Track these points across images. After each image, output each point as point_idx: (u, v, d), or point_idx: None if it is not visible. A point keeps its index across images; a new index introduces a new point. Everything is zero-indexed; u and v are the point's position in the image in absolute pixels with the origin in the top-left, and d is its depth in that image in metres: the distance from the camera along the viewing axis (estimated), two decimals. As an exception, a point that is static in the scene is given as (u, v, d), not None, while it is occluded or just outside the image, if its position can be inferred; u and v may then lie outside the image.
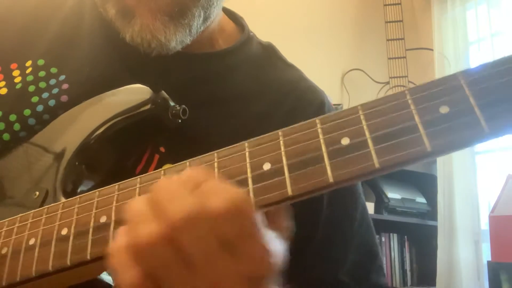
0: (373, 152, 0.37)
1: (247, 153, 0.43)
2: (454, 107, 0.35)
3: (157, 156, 0.67)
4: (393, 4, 3.54)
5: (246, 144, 0.44)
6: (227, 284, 0.38)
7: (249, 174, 0.42)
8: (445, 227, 3.03)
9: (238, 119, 0.72)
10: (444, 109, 0.35)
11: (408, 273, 3.11)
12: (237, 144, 0.44)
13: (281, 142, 0.42)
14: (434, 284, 2.98)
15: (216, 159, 0.44)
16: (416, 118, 0.36)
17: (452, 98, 0.35)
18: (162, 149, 0.68)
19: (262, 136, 0.44)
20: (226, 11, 0.83)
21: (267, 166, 0.42)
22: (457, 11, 3.39)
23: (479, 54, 3.29)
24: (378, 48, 3.57)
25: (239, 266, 0.38)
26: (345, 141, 0.39)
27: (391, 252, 3.07)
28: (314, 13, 3.45)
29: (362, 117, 0.39)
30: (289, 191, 0.39)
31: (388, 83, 3.50)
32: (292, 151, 0.41)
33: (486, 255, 2.74)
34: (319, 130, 0.41)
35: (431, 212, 3.12)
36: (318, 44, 3.35)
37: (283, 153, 0.41)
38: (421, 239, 3.16)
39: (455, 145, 0.34)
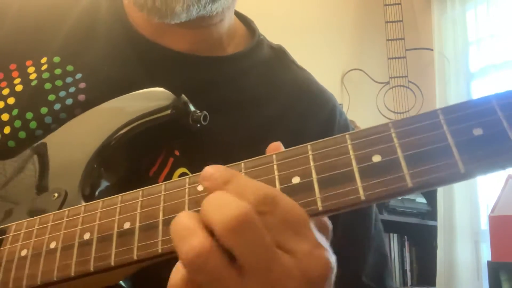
0: (406, 172, 0.37)
1: (275, 166, 0.42)
2: (488, 129, 0.35)
3: (171, 160, 0.67)
4: (393, 4, 3.55)
5: (274, 156, 0.43)
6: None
7: (278, 187, 0.41)
8: (445, 227, 3.04)
9: (251, 123, 0.72)
10: (477, 131, 0.35)
11: (408, 273, 3.11)
12: (264, 155, 0.44)
13: (310, 157, 0.41)
14: (434, 284, 2.99)
15: (243, 170, 0.44)
16: (449, 139, 0.36)
17: (486, 120, 0.35)
18: (176, 153, 0.67)
19: (289, 149, 0.43)
20: (237, 14, 0.83)
21: (296, 180, 0.41)
22: (457, 11, 3.40)
23: (478, 54, 3.30)
24: (378, 48, 3.58)
25: (297, 264, 0.37)
26: (376, 158, 0.38)
27: (391, 252, 3.07)
28: (314, 13, 3.45)
29: (393, 135, 0.39)
30: (320, 207, 0.39)
31: (388, 83, 3.51)
32: (321, 166, 0.40)
33: (486, 255, 2.75)
34: (349, 146, 0.40)
35: (431, 212, 3.14)
36: (318, 44, 3.35)
37: (312, 167, 0.41)
38: (421, 239, 3.18)
39: (488, 168, 0.34)
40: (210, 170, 0.41)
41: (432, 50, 3.50)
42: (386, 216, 2.92)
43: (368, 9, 3.67)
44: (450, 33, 3.41)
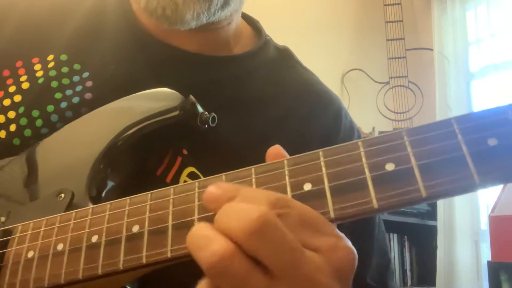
0: (420, 182, 0.37)
1: (286, 171, 0.42)
2: (503, 140, 0.35)
3: (179, 159, 0.67)
4: (393, 4, 3.55)
5: (285, 162, 0.43)
6: (319, 286, 0.36)
7: (289, 194, 0.41)
8: (445, 227, 3.04)
9: (257, 123, 0.73)
10: (492, 142, 0.35)
11: (408, 273, 3.12)
12: (275, 161, 0.44)
13: (322, 163, 0.41)
14: (434, 284, 2.99)
15: (254, 175, 0.43)
16: (464, 149, 0.36)
17: (501, 131, 0.35)
18: (185, 152, 0.67)
19: (301, 154, 0.43)
20: (243, 15, 0.84)
21: (307, 187, 0.41)
22: (457, 11, 3.40)
23: (478, 54, 3.30)
24: (378, 48, 3.58)
25: (326, 259, 0.37)
26: (390, 166, 0.38)
27: (391, 252, 3.08)
28: (314, 13, 3.45)
29: (407, 143, 0.38)
30: (332, 215, 0.39)
31: (388, 83, 3.51)
32: (333, 173, 0.40)
33: (486, 255, 2.75)
34: (362, 153, 0.40)
35: (431, 212, 3.14)
36: (318, 44, 3.34)
37: (324, 174, 0.40)
38: (421, 239, 3.18)
39: (503, 180, 0.34)
40: (213, 190, 0.40)
41: (432, 50, 3.51)
42: (386, 216, 2.92)
43: (368, 9, 3.67)
44: (450, 33, 3.42)
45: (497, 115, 0.36)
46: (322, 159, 0.42)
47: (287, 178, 0.42)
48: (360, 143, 0.41)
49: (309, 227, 0.38)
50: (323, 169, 0.41)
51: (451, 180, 0.35)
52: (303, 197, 0.40)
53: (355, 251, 0.38)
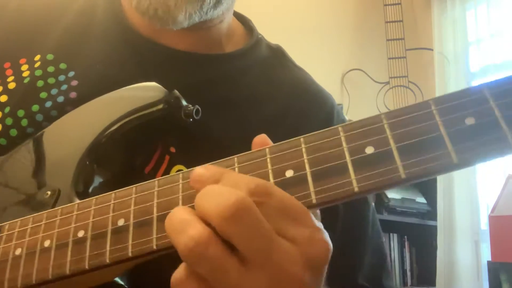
0: (398, 163, 0.37)
1: (268, 159, 0.43)
2: (480, 119, 0.35)
3: (167, 157, 0.67)
4: (393, 4, 3.55)
5: (267, 150, 0.43)
6: (289, 276, 0.37)
7: (271, 181, 0.41)
8: (445, 227, 3.04)
9: (249, 122, 0.72)
10: (470, 121, 0.35)
11: (408, 273, 3.11)
12: (258, 149, 0.44)
13: (303, 149, 0.42)
14: (434, 284, 2.99)
15: (236, 164, 0.44)
16: (442, 129, 0.36)
17: (478, 110, 0.35)
18: (172, 150, 0.67)
19: (282, 142, 0.43)
20: (235, 14, 0.83)
21: (289, 173, 0.41)
22: (457, 11, 3.40)
23: (478, 54, 3.30)
24: (378, 48, 3.58)
25: (299, 250, 0.37)
26: (369, 150, 0.39)
27: (391, 252, 3.08)
28: (314, 13, 3.45)
29: (386, 126, 0.39)
30: (313, 199, 0.39)
31: (388, 83, 3.51)
32: (315, 159, 0.41)
33: (486, 255, 2.75)
34: (342, 138, 0.40)
35: (431, 212, 3.14)
36: (318, 44, 3.35)
37: (305, 160, 0.41)
38: (421, 239, 3.18)
39: (482, 158, 0.34)
40: (200, 170, 0.41)
41: (432, 50, 3.51)
42: (386, 216, 2.93)
43: (368, 9, 3.67)
44: (450, 33, 3.42)
45: (474, 94, 0.36)
46: (303, 145, 0.42)
47: (269, 165, 0.42)
48: (340, 128, 0.41)
49: (287, 216, 0.38)
50: (304, 155, 0.41)
51: (429, 159, 0.36)
52: (285, 184, 0.41)
53: (331, 244, 0.39)
